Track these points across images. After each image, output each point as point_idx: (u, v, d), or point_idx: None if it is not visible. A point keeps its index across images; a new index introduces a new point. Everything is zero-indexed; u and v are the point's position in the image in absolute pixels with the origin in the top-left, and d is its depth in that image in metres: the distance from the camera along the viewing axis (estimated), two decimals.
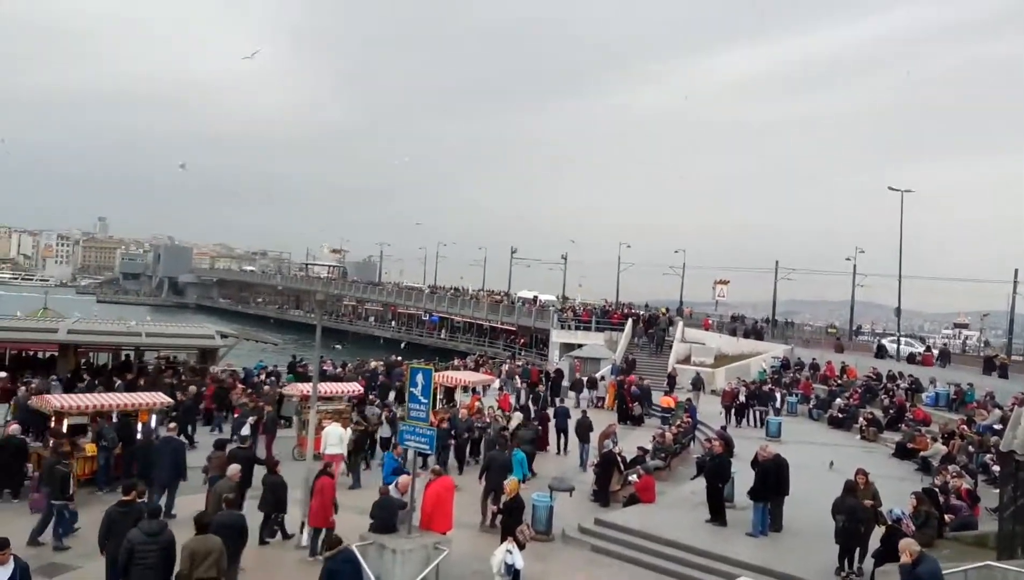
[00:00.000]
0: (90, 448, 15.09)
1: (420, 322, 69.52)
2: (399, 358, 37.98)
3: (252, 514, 11.55)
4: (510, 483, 12.85)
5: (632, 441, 20.47)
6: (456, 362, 39.32)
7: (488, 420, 19.35)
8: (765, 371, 34.91)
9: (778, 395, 28.78)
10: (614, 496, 16.33)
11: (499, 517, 12.78)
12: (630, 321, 42.25)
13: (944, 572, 9.04)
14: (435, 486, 11.84)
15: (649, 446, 18.92)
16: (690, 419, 23.24)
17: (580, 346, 40.15)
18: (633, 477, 16.36)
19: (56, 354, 23.60)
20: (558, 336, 44.91)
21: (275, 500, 12.20)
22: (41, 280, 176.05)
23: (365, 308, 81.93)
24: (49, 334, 23.10)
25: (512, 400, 25.39)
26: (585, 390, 30.01)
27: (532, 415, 21.79)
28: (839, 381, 32.95)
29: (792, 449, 19.05)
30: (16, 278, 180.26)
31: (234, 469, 11.89)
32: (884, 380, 31.35)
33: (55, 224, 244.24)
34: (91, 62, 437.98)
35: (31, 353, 25.01)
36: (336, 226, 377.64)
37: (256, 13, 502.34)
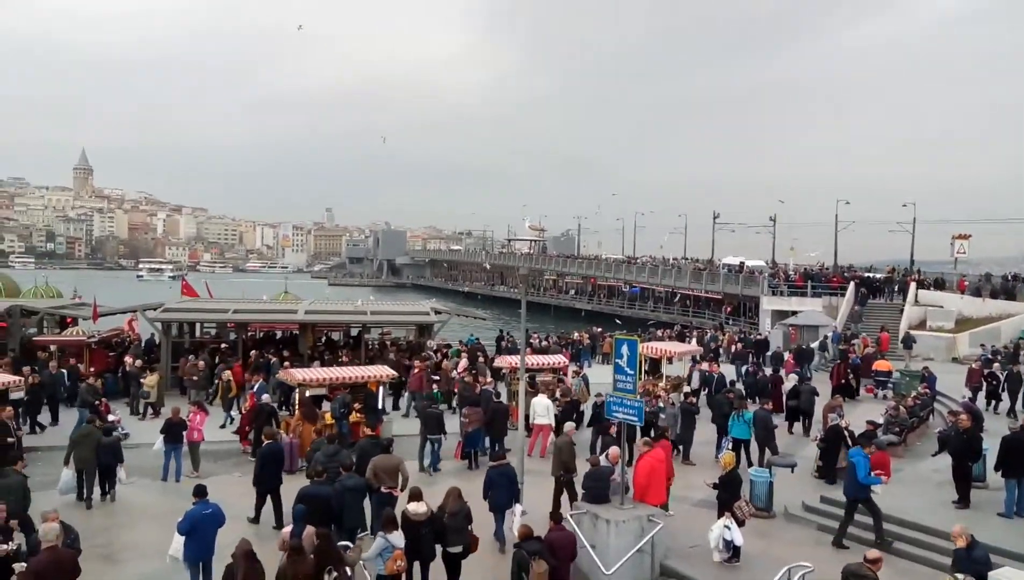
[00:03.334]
0: (327, 417, 16.63)
1: (620, 293, 69.15)
2: (600, 330, 38.08)
3: None
4: (725, 457, 12.33)
5: (860, 414, 18.87)
6: (659, 333, 38.63)
7: (660, 404, 17.96)
8: None
9: None
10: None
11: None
12: (852, 285, 38.88)
13: None
14: (648, 458, 11.68)
15: (880, 420, 17.29)
16: (928, 390, 20.91)
17: (794, 313, 37.66)
18: None
19: (297, 332, 26.31)
20: (769, 303, 42.51)
21: None
22: (282, 267, 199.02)
23: (565, 281, 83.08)
24: (291, 315, 25.82)
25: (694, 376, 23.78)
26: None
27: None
28: None
29: None
30: (264, 267, 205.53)
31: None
32: None
33: (290, 216, 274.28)
34: (315, 61, 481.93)
35: (276, 332, 28.18)
36: (535, 201, 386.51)
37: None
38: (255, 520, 12.20)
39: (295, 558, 8.25)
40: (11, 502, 9.78)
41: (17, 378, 17.87)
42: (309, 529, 8.80)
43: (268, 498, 12.33)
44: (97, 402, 17.77)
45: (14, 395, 17.08)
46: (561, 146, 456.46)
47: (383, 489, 11.09)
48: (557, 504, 12.26)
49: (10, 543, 8.27)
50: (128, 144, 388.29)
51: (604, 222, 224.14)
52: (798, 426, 19.72)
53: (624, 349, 11.44)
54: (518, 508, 11.36)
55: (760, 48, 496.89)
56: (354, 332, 28.17)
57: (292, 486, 13.80)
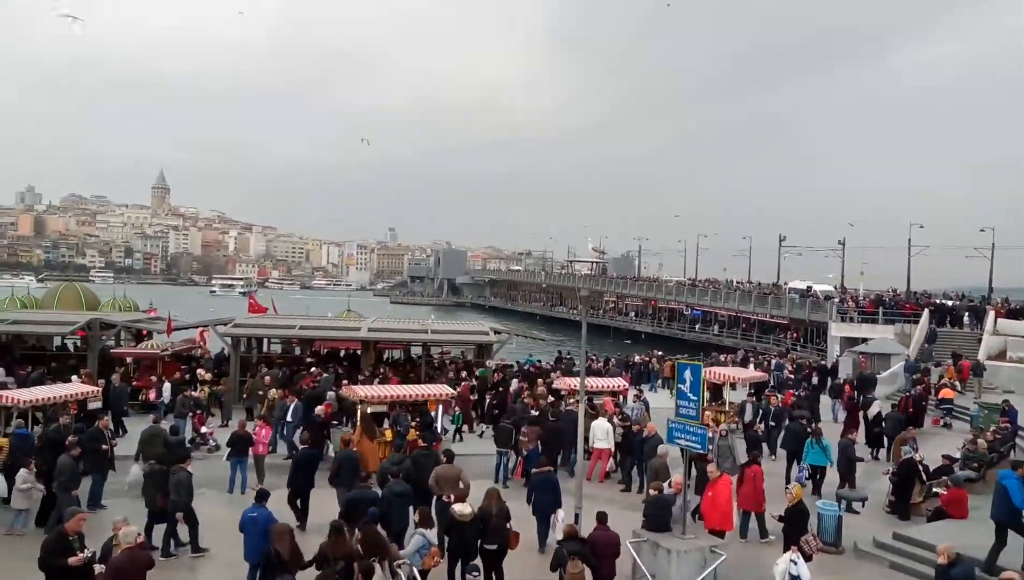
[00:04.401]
0: (388, 433, 16.85)
1: (681, 316, 68.13)
2: (661, 353, 37.54)
3: None
4: (794, 489, 11.98)
5: (933, 447, 18.10)
6: (723, 357, 37.85)
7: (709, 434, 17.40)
8: None
9: None
10: (915, 509, 14.53)
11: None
12: (927, 311, 37.38)
13: None
14: (723, 485, 11.78)
15: (957, 454, 16.52)
16: (1008, 424, 19.87)
17: (864, 340, 36.41)
18: (939, 489, 14.38)
19: (359, 350, 26.75)
20: (838, 329, 41.17)
21: None
22: (346, 285, 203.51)
23: (625, 303, 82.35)
24: (353, 332, 26.31)
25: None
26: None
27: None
28: None
29: None
30: (329, 284, 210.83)
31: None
32: None
33: (355, 235, 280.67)
34: (378, 82, 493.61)
35: (340, 350, 28.71)
36: (595, 221, 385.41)
37: (522, 22, 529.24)
38: (302, 527, 12.58)
39: (335, 538, 8.84)
40: (181, 496, 11.39)
41: (95, 388, 18.68)
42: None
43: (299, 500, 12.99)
44: (192, 413, 18.44)
45: (92, 405, 17.86)
46: (624, 166, 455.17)
47: (444, 498, 11.46)
48: None
49: (86, 550, 8.61)
50: (203, 164, 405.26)
51: (665, 244, 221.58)
52: (882, 453, 19.45)
53: (687, 374, 11.27)
54: (560, 514, 11.82)
55: (827, 67, 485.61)
56: (416, 350, 28.51)
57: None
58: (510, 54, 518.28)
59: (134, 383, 23.01)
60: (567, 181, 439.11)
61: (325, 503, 12.59)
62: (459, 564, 10.22)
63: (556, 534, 11.38)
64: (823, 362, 35.39)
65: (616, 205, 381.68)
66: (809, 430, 16.65)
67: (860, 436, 19.45)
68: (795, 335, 50.58)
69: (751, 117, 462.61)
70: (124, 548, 8.25)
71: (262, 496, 10.55)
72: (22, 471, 12.39)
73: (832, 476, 15.92)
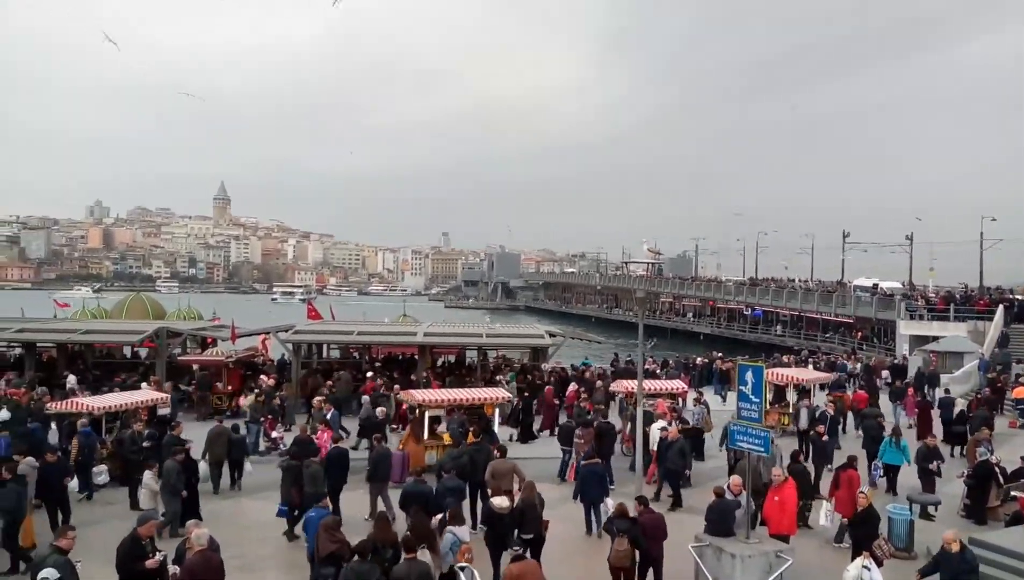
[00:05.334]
0: (446, 437, 16.96)
1: (741, 316, 66.78)
2: (720, 354, 36.87)
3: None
4: (868, 492, 11.63)
5: (1011, 449, 17.29)
6: (785, 358, 36.93)
7: None
8: None
9: None
10: (992, 513, 13.90)
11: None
12: (1001, 308, 35.75)
13: None
14: (790, 489, 11.48)
15: None
16: None
17: (935, 339, 35.07)
18: (1018, 492, 13.71)
19: (416, 355, 27.02)
20: (906, 328, 39.78)
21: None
22: (401, 290, 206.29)
23: (682, 304, 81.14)
24: (410, 337, 26.58)
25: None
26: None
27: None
28: None
29: None
30: (385, 290, 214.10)
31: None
32: None
33: (409, 241, 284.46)
34: (430, 93, 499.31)
35: (398, 355, 29.06)
36: (651, 222, 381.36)
37: (567, 27, 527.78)
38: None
39: (381, 525, 9.60)
40: (316, 487, 12.13)
41: (164, 395, 19.31)
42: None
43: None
44: (263, 418, 18.97)
45: (161, 411, 18.46)
46: (679, 166, 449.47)
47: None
48: None
49: (159, 553, 8.87)
50: (262, 175, 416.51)
51: (724, 243, 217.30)
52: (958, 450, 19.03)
53: (748, 376, 11.00)
54: (609, 502, 12.32)
55: (888, 61, 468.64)
56: (471, 354, 28.64)
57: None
58: (559, 60, 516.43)
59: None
60: (621, 182, 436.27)
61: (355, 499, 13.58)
62: (500, 554, 10.49)
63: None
64: (896, 361, 34.24)
65: (672, 205, 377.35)
66: (885, 430, 16.27)
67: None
68: (860, 334, 49.02)
69: (806, 114, 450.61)
70: (197, 550, 8.48)
71: (319, 497, 11.17)
72: (147, 472, 13.00)
73: (905, 478, 15.42)
